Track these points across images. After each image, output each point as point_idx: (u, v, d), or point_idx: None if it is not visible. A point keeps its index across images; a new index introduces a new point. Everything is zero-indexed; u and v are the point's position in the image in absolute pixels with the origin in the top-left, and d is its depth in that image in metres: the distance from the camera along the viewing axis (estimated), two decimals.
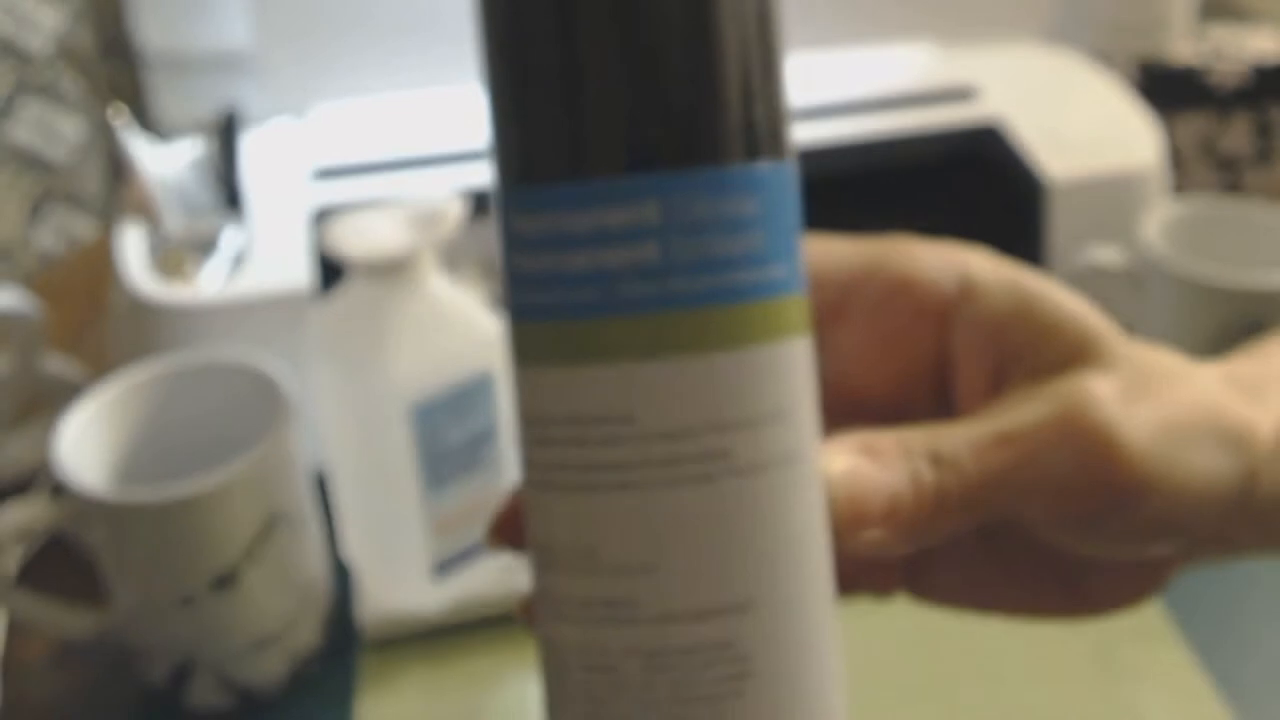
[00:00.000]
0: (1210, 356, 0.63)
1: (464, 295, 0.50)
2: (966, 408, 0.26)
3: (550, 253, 0.20)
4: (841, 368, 0.27)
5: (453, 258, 0.60)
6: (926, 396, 0.27)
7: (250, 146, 0.65)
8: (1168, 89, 0.79)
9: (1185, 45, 0.81)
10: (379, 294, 0.47)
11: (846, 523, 0.22)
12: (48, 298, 0.71)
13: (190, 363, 0.52)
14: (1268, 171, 0.83)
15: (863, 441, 0.23)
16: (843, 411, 0.26)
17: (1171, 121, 0.81)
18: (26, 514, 0.48)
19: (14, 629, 0.57)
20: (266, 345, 0.53)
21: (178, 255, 0.61)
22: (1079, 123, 0.68)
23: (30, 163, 0.85)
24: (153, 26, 0.82)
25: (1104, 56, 0.79)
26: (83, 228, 0.90)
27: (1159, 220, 0.63)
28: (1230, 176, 0.83)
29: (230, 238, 0.62)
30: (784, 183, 0.21)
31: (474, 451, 0.50)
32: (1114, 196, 0.66)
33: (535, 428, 0.21)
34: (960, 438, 0.24)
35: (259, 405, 0.49)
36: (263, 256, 0.59)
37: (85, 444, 0.49)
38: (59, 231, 0.88)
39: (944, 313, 0.26)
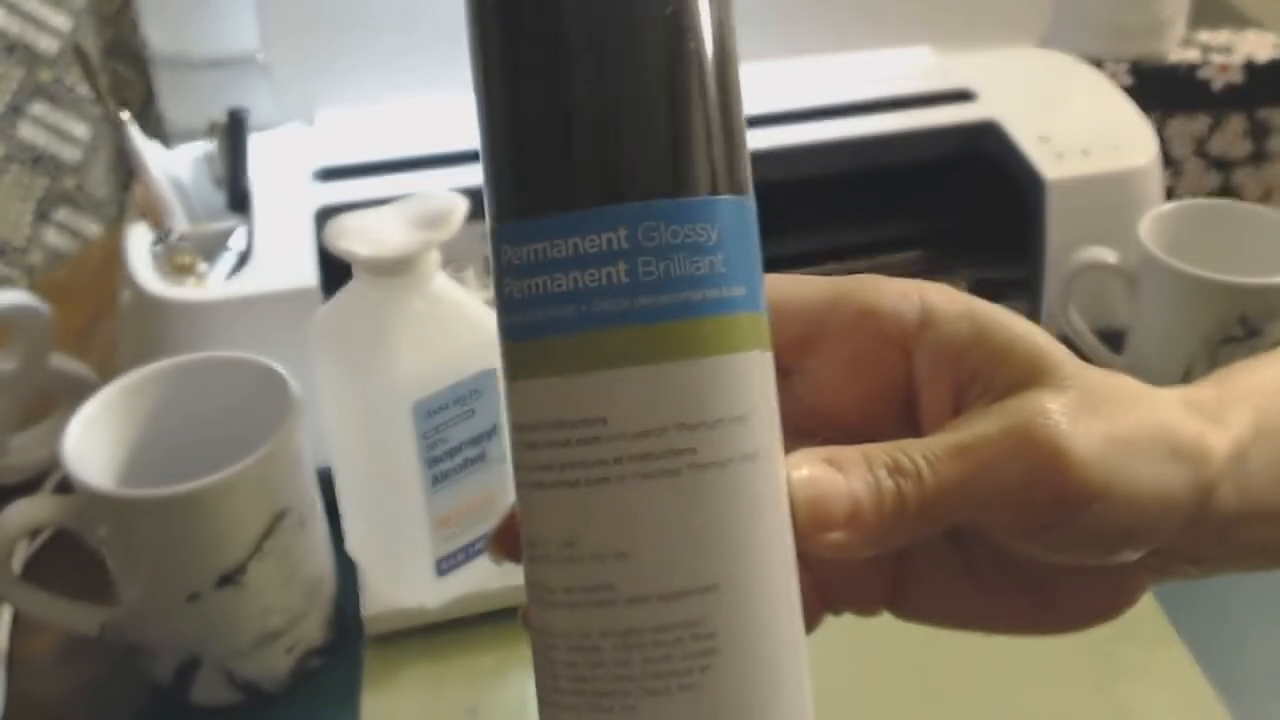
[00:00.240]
0: (1204, 353, 0.64)
1: (467, 295, 0.50)
2: (930, 428, 0.28)
3: (535, 277, 0.22)
4: (815, 392, 0.29)
5: (456, 257, 0.61)
6: (895, 419, 0.29)
7: (256, 147, 0.65)
8: (1162, 91, 0.80)
9: (1179, 48, 0.81)
10: (382, 293, 0.48)
11: (809, 524, 0.24)
12: (55, 297, 0.72)
13: (197, 360, 0.52)
14: (1261, 172, 0.84)
15: (828, 453, 0.25)
16: (818, 433, 0.28)
17: (1166, 123, 0.81)
18: (33, 510, 0.48)
19: (20, 625, 0.57)
20: (272, 343, 0.53)
21: (184, 254, 0.61)
22: (1075, 125, 0.69)
23: (38, 162, 0.85)
24: (160, 29, 0.83)
25: (1099, 59, 0.79)
26: (90, 227, 0.90)
27: (1154, 220, 0.63)
28: (1224, 177, 0.84)
29: (236, 237, 0.62)
30: (742, 214, 0.23)
31: (476, 449, 0.51)
32: (1110, 197, 0.66)
33: (524, 434, 0.23)
34: (918, 450, 0.25)
35: (266, 403, 0.50)
36: (268, 256, 0.59)
37: (92, 441, 0.49)
38: (67, 231, 0.89)
39: (906, 340, 0.28)
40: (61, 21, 0.85)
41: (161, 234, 0.62)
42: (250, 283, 0.57)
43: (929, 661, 0.53)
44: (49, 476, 0.65)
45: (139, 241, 0.61)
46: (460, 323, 0.49)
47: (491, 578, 0.54)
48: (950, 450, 0.25)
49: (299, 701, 0.52)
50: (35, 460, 0.66)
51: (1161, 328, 0.62)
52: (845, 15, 0.74)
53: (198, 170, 0.68)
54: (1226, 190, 0.84)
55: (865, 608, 0.30)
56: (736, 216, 0.23)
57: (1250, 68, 0.79)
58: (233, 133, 0.64)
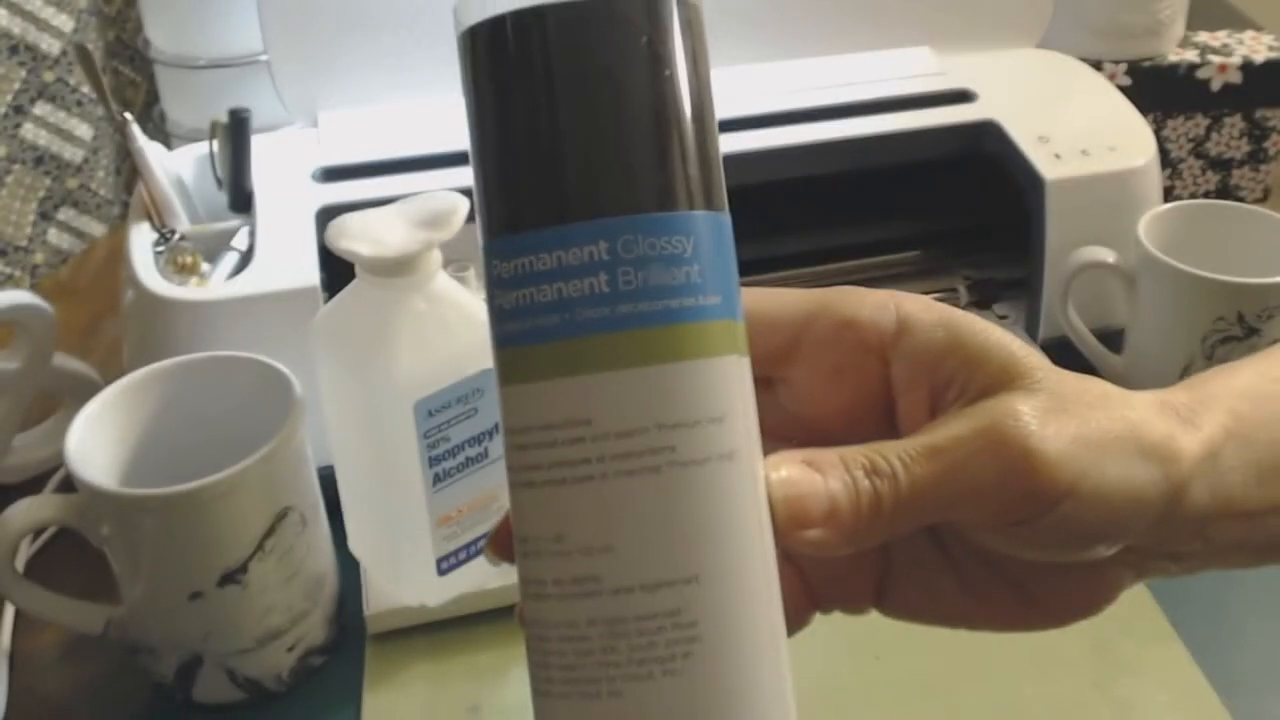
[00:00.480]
0: (1202, 353, 0.64)
1: (468, 294, 0.50)
2: (909, 433, 0.28)
3: (522, 288, 0.24)
4: (798, 401, 0.30)
5: (457, 257, 0.61)
6: (876, 425, 0.30)
7: (258, 148, 0.66)
8: (1160, 91, 0.80)
9: (1178, 48, 0.82)
10: (384, 293, 0.48)
11: (787, 522, 0.25)
12: (58, 296, 0.72)
13: (199, 360, 0.52)
14: (1259, 172, 0.84)
15: (806, 455, 0.26)
16: (801, 440, 0.28)
17: (1164, 123, 0.81)
18: (36, 509, 0.49)
19: (23, 623, 0.57)
20: (274, 343, 0.53)
21: (187, 254, 0.61)
22: (1074, 125, 0.69)
23: (41, 162, 0.85)
24: (162, 29, 0.83)
25: (1098, 60, 0.80)
26: (93, 227, 0.91)
27: (1153, 220, 0.63)
28: (1222, 177, 0.84)
29: (239, 237, 0.63)
30: (717, 229, 0.24)
31: (477, 448, 0.51)
32: (1109, 197, 0.66)
33: (515, 436, 0.24)
34: (894, 451, 0.26)
35: (268, 402, 0.50)
36: (270, 256, 0.59)
37: (95, 440, 0.49)
38: (69, 231, 0.89)
39: (884, 347, 0.29)
40: (64, 22, 0.85)
41: (164, 234, 0.63)
42: (252, 282, 0.58)
43: (928, 659, 0.53)
44: (52, 475, 0.65)
45: (141, 241, 0.62)
46: (462, 322, 0.49)
47: (492, 577, 0.54)
48: (924, 451, 0.26)
49: (301, 700, 0.52)
50: (38, 459, 0.66)
51: (1160, 327, 0.62)
52: (846, 17, 0.74)
53: (200, 170, 0.68)
54: (1224, 190, 0.84)
55: (853, 606, 0.31)
56: (711, 230, 0.24)
57: (1248, 68, 0.79)
58: (235, 133, 0.64)
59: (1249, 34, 0.83)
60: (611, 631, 0.23)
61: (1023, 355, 0.27)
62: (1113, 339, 0.67)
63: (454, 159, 0.64)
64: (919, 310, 0.29)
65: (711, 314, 0.24)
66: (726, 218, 0.25)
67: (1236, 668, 0.52)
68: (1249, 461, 0.28)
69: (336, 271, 0.53)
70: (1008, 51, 0.77)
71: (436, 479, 0.50)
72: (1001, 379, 0.27)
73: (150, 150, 0.64)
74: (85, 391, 0.56)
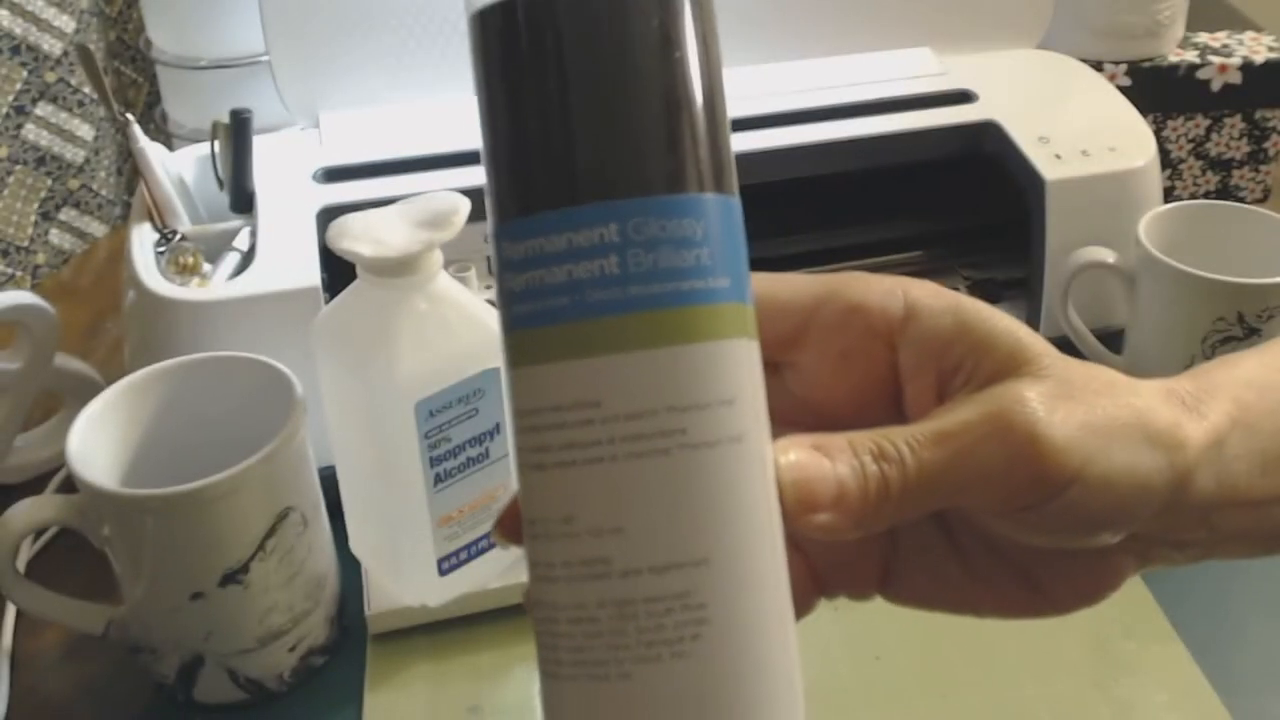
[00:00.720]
0: (1202, 353, 0.64)
1: (469, 295, 0.50)
2: (916, 418, 0.29)
3: (532, 270, 0.24)
4: (806, 386, 0.30)
5: (458, 257, 0.61)
6: (884, 411, 0.30)
7: (260, 148, 0.66)
8: (1161, 92, 0.80)
9: (1178, 49, 0.82)
10: (385, 293, 0.48)
11: (796, 506, 0.25)
12: (60, 297, 0.72)
13: (200, 360, 0.52)
14: (1259, 172, 0.84)
15: (814, 439, 0.26)
16: (809, 425, 0.28)
17: (1164, 124, 0.81)
18: (37, 509, 0.49)
19: (24, 623, 0.57)
20: (275, 343, 0.53)
21: (188, 255, 0.61)
22: (1074, 126, 0.69)
23: (43, 163, 0.85)
24: (164, 30, 0.83)
25: (1098, 60, 0.80)
26: (94, 227, 0.91)
27: (1153, 220, 0.63)
28: (1222, 178, 0.84)
29: (240, 238, 0.63)
30: (727, 212, 0.24)
31: (478, 449, 0.51)
32: (1109, 197, 0.67)
33: (525, 419, 0.24)
34: (902, 436, 0.27)
35: (269, 402, 0.50)
36: (272, 256, 0.59)
37: (96, 440, 0.49)
38: (71, 231, 0.89)
39: (892, 333, 0.29)
40: (66, 22, 0.85)
41: (165, 234, 0.63)
42: (253, 283, 0.58)
43: (929, 658, 0.53)
44: (53, 476, 0.66)
45: (143, 242, 0.62)
46: (463, 322, 0.49)
47: (493, 576, 0.55)
48: (932, 436, 0.26)
49: (302, 700, 0.52)
50: (40, 459, 0.66)
51: (1160, 327, 0.62)
52: (846, 18, 0.74)
53: (201, 171, 0.68)
54: (1225, 191, 0.84)
55: (857, 592, 0.31)
56: (721, 213, 0.24)
57: (1248, 68, 0.79)
58: (236, 133, 0.64)
59: (1249, 34, 0.83)
60: (620, 613, 0.23)
61: (1030, 342, 0.28)
62: (1113, 339, 0.67)
63: (455, 159, 0.64)
64: (927, 297, 0.29)
65: (722, 296, 0.24)
66: (736, 201, 0.25)
67: (1236, 668, 0.52)
68: (1254, 450, 0.28)
69: (338, 272, 0.53)
70: (1008, 52, 0.77)
71: (437, 479, 0.50)
72: (1008, 365, 0.27)
73: (152, 151, 0.64)
74: (86, 392, 0.56)
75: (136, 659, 0.51)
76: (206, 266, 0.62)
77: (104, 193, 0.91)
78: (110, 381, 0.52)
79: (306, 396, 0.49)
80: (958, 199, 0.73)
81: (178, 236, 0.62)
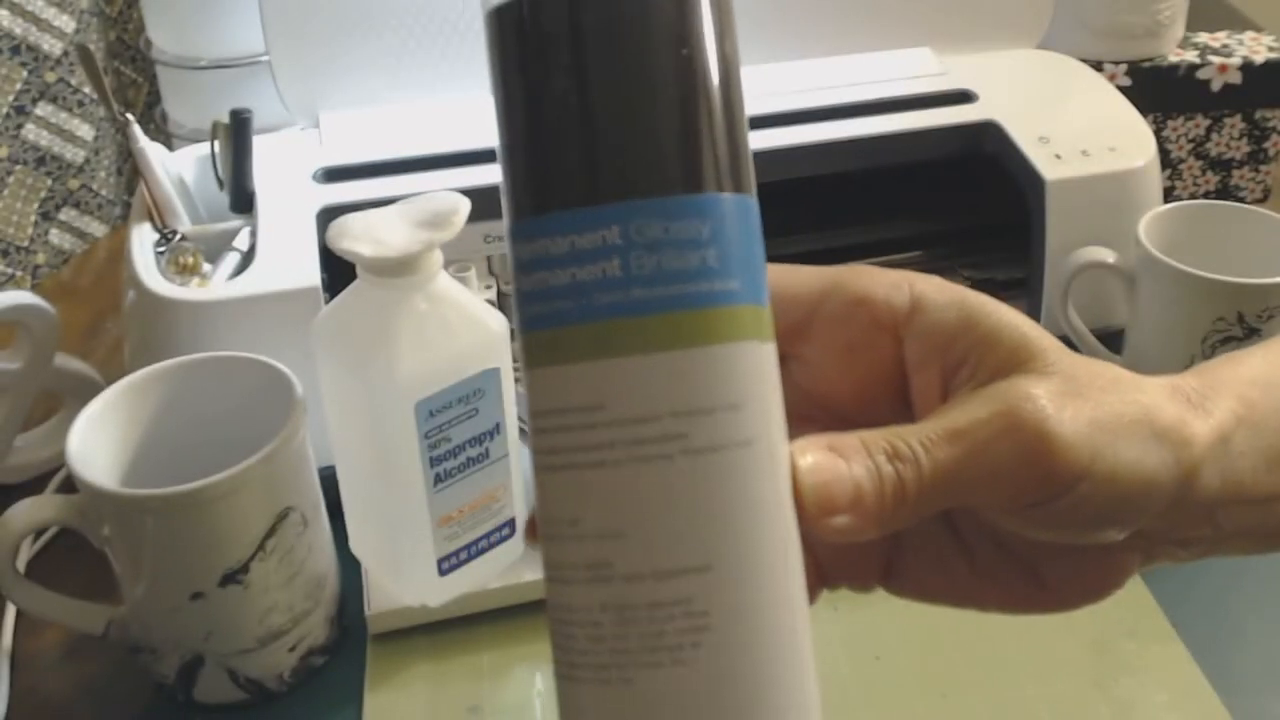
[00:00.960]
0: (1202, 353, 0.64)
1: (469, 295, 0.50)
2: (923, 411, 0.29)
3: (539, 272, 0.24)
4: (811, 378, 0.30)
5: (458, 257, 0.61)
6: (889, 402, 0.30)
7: (260, 148, 0.66)
8: (1160, 92, 0.80)
9: (1178, 49, 0.82)
10: (385, 293, 0.48)
11: (816, 509, 0.25)
12: (60, 297, 0.72)
13: (200, 360, 0.52)
14: (1259, 173, 0.84)
15: (829, 440, 0.26)
16: (815, 418, 0.29)
17: (1164, 124, 0.81)
18: (37, 509, 0.49)
19: (24, 623, 0.57)
20: (275, 343, 0.53)
21: (188, 255, 0.61)
22: (1074, 126, 0.69)
23: (43, 163, 0.85)
24: (164, 30, 0.83)
25: (1098, 60, 0.80)
26: (94, 227, 0.91)
27: (1153, 220, 0.63)
28: (1222, 178, 0.84)
29: (240, 238, 0.63)
30: (740, 211, 0.24)
31: (478, 449, 0.51)
32: (1109, 197, 0.67)
33: (538, 419, 0.24)
34: (914, 436, 0.26)
35: (269, 402, 0.50)
36: (272, 256, 0.59)
37: (96, 440, 0.49)
38: (71, 231, 0.89)
39: (897, 326, 0.29)
40: (66, 22, 0.85)
41: (165, 234, 0.63)
42: (253, 283, 0.58)
43: (929, 658, 0.53)
44: (53, 476, 0.66)
45: (143, 242, 0.62)
46: (463, 322, 0.49)
47: (493, 576, 0.55)
48: (944, 435, 0.26)
49: (302, 700, 0.52)
50: (40, 459, 0.66)
51: (1160, 327, 0.62)
52: (846, 18, 0.74)
53: (201, 171, 0.68)
54: (1225, 191, 0.84)
55: (860, 583, 0.31)
56: (732, 213, 0.24)
57: (1248, 68, 0.79)
58: (236, 133, 0.64)
59: (1249, 34, 0.83)
60: (622, 618, 0.23)
61: (1035, 337, 0.28)
62: (1113, 339, 0.67)
63: (455, 159, 0.64)
64: (932, 291, 0.29)
65: (729, 299, 0.23)
66: (751, 200, 0.25)
67: (1236, 668, 0.52)
68: (1259, 448, 0.28)
69: (338, 272, 0.53)
70: (1008, 52, 0.77)
71: (437, 479, 0.50)
72: (1013, 361, 0.27)
73: (152, 151, 0.65)
74: (87, 392, 0.56)
75: (136, 659, 0.51)
76: (206, 266, 0.62)
77: (104, 193, 0.91)
78: (110, 381, 0.52)
79: (306, 396, 0.49)
80: (958, 199, 0.73)
81: (178, 236, 0.62)
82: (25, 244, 0.85)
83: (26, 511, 0.48)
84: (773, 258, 0.25)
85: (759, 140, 0.69)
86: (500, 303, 0.66)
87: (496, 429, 0.51)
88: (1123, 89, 0.75)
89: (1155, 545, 0.29)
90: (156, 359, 0.52)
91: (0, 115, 0.82)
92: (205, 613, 0.48)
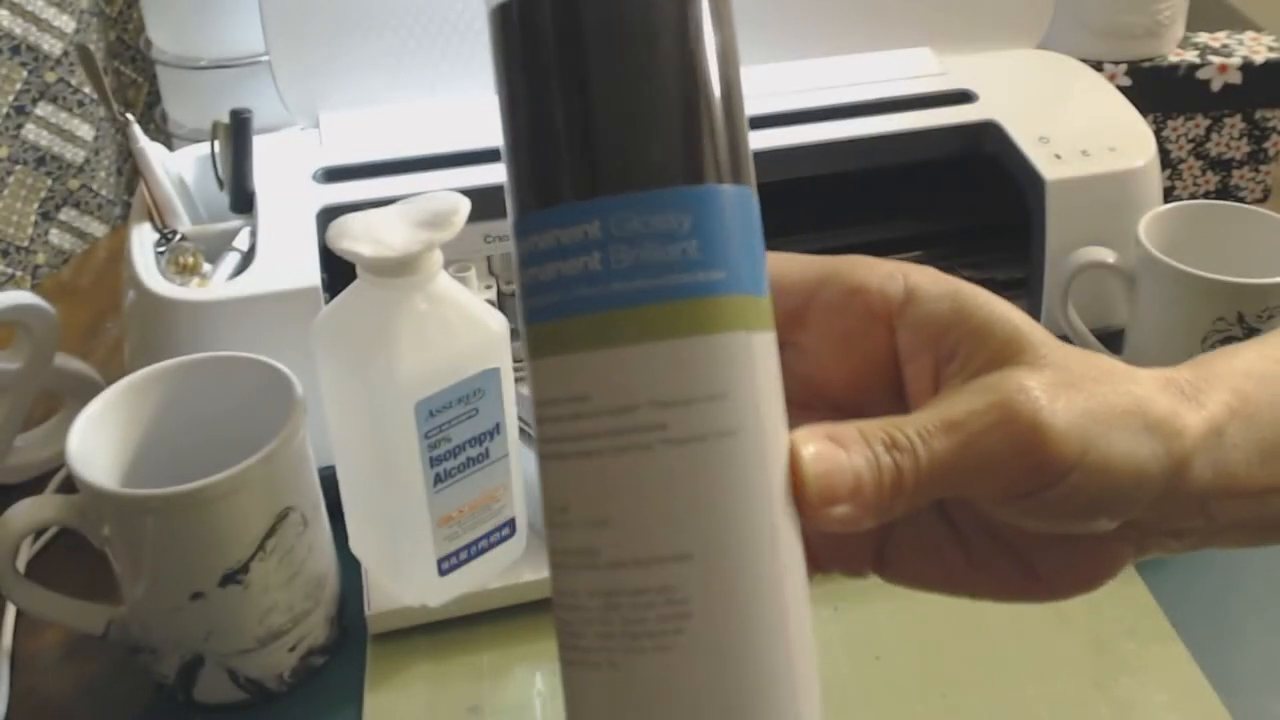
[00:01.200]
0: (1202, 352, 0.64)
1: (469, 294, 0.50)
2: (915, 400, 0.29)
3: (533, 267, 0.24)
4: (807, 365, 0.30)
5: (458, 257, 0.61)
6: (883, 391, 0.30)
7: (260, 148, 0.66)
8: (1160, 92, 0.80)
9: (1178, 49, 0.82)
10: (385, 293, 0.48)
11: (818, 498, 0.25)
12: (60, 297, 0.72)
13: (200, 360, 0.52)
14: (1258, 172, 0.84)
15: (827, 431, 0.26)
16: (810, 404, 0.29)
17: (1164, 124, 0.81)
18: (38, 509, 0.49)
19: (24, 623, 0.57)
20: (275, 343, 0.53)
21: (188, 255, 0.61)
22: (1074, 126, 0.69)
23: (43, 163, 0.85)
24: (164, 30, 0.83)
25: (1098, 60, 0.80)
26: (94, 227, 0.91)
27: (1153, 220, 0.63)
28: (1222, 178, 0.84)
29: (240, 238, 0.63)
30: (730, 201, 0.24)
31: (478, 449, 0.51)
32: (1109, 197, 0.67)
33: (538, 409, 0.25)
34: (911, 426, 0.27)
35: (269, 402, 0.50)
36: (272, 256, 0.59)
37: (96, 440, 0.49)
38: (71, 231, 0.89)
39: (891, 316, 0.29)
40: (66, 22, 0.85)
41: (165, 234, 0.63)
42: (253, 283, 0.58)
43: (929, 658, 0.53)
44: (53, 476, 0.66)
45: (143, 242, 0.62)
46: (463, 322, 0.49)
47: (493, 576, 0.55)
48: (940, 425, 0.27)
49: (302, 700, 0.52)
50: (40, 459, 0.66)
51: (1160, 327, 0.62)
52: (846, 18, 0.74)
53: (201, 171, 0.68)
54: (1225, 191, 0.84)
55: (853, 569, 0.31)
56: (720, 205, 0.24)
57: (1248, 68, 0.79)
58: (236, 133, 0.64)
59: (1249, 34, 0.83)
60: (607, 604, 0.24)
61: (1027, 330, 0.28)
62: (1113, 339, 0.67)
63: (455, 159, 0.64)
64: (926, 282, 0.29)
65: (713, 290, 0.24)
66: (747, 189, 0.25)
67: (1236, 668, 0.52)
68: (1252, 440, 0.28)
69: (338, 272, 0.53)
70: (1008, 52, 0.77)
71: (437, 479, 0.50)
72: (1006, 352, 0.27)
73: (152, 151, 0.65)
74: (86, 392, 0.56)
75: (136, 659, 0.51)
76: (206, 266, 0.62)
77: (104, 193, 0.91)
78: (110, 381, 0.52)
79: (306, 396, 0.49)
80: (958, 199, 0.73)
81: (178, 236, 0.62)
82: (25, 244, 0.85)
83: (26, 511, 0.48)
84: None
85: (759, 140, 0.69)
86: (500, 303, 0.66)
87: (496, 429, 0.51)
88: (1123, 89, 0.75)
89: (1147, 536, 0.29)
90: (156, 359, 0.52)
91: (0, 115, 0.82)
92: (205, 613, 0.48)
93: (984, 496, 0.28)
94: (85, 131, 0.88)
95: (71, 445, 0.48)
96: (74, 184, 0.88)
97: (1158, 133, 0.80)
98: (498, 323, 0.50)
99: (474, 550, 0.53)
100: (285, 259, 0.59)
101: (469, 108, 0.68)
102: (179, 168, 0.67)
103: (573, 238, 0.24)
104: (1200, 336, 0.60)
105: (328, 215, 0.57)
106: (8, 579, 0.50)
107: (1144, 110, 0.71)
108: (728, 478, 0.24)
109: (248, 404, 0.51)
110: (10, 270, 0.85)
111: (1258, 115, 0.81)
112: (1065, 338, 0.67)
